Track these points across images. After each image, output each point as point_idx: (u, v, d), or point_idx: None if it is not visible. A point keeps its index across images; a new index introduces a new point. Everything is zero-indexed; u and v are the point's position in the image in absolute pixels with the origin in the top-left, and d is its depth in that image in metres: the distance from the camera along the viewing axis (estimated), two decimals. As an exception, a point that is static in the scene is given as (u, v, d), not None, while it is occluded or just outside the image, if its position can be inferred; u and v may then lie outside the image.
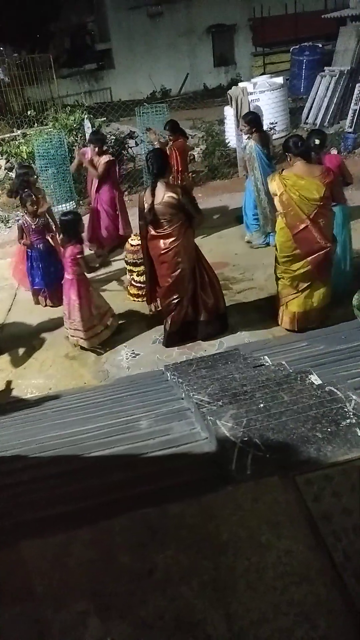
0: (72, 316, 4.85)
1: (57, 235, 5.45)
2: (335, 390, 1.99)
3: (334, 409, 1.81)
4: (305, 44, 14.46)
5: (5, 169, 11.43)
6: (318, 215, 4.21)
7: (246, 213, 6.76)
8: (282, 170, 4.38)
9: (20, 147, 9.47)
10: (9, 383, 4.70)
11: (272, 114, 10.48)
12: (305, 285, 4.45)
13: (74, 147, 8.96)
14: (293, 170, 4.27)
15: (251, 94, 10.28)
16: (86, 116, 9.24)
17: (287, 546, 1.28)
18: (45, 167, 8.65)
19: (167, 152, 6.30)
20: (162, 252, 4.42)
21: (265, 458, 1.60)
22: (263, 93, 10.46)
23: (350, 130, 10.23)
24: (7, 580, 1.27)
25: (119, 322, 5.22)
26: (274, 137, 8.43)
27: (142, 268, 5.66)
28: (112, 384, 4.37)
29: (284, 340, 4.38)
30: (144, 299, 5.67)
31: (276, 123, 10.34)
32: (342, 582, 1.20)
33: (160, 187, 4.30)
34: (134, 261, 5.62)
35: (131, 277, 5.75)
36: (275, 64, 20.16)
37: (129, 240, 5.76)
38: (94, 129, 8.45)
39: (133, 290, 5.74)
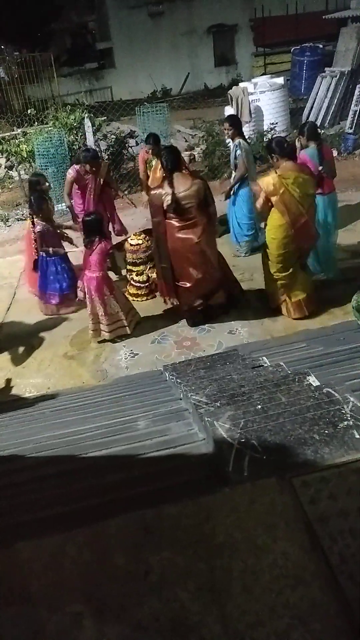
0: (106, 310, 4.84)
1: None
2: (333, 392, 1.99)
3: (332, 410, 1.81)
4: (306, 44, 14.42)
5: (5, 167, 11.44)
6: (311, 207, 4.51)
7: (238, 224, 6.25)
8: (275, 171, 4.42)
9: (21, 146, 9.47)
10: (8, 381, 4.70)
11: (272, 114, 10.47)
12: (298, 270, 4.72)
13: (73, 146, 8.96)
14: (289, 170, 4.36)
15: (252, 94, 10.29)
16: (86, 115, 9.23)
17: (283, 548, 1.28)
18: (46, 165, 8.67)
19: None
20: (193, 242, 4.45)
21: (262, 460, 1.59)
22: (263, 93, 10.44)
23: (351, 131, 10.24)
24: (2, 581, 1.27)
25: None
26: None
27: (141, 268, 5.66)
28: (111, 383, 4.36)
29: (283, 341, 4.38)
30: (143, 298, 5.69)
31: (276, 123, 10.33)
32: (338, 585, 1.20)
33: (179, 178, 4.38)
34: (134, 261, 5.62)
35: (130, 276, 5.75)
36: (276, 65, 20.19)
37: (129, 240, 5.75)
38: (86, 146, 7.96)
39: (132, 290, 5.73)
